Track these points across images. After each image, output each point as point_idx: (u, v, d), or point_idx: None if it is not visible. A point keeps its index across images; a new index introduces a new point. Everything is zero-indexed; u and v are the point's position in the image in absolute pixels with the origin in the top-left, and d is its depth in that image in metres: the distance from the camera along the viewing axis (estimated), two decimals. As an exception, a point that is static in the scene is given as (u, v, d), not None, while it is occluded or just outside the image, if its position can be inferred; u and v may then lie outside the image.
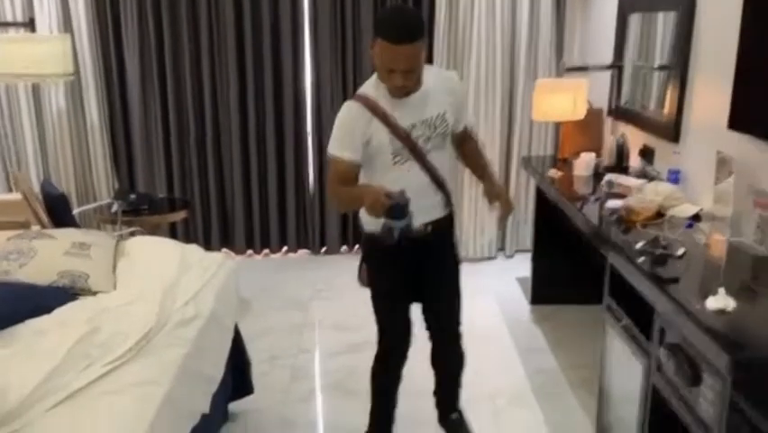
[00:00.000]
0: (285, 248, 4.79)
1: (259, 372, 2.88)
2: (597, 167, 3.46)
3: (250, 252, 4.73)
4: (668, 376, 1.97)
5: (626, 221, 2.65)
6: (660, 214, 2.68)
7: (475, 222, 4.56)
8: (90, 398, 1.54)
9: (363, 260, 2.38)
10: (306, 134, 4.63)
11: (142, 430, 1.49)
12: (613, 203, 2.85)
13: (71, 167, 4.41)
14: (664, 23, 3.21)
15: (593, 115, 3.88)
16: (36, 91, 4.20)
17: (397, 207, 1.96)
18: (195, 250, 2.53)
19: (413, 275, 2.34)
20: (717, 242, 2.39)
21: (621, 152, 3.46)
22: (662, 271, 2.11)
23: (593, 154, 3.53)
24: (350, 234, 4.79)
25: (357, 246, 4.82)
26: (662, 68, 3.24)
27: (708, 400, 1.73)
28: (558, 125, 4.17)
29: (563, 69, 3.80)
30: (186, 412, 1.80)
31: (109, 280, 2.17)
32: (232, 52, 4.40)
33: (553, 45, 4.36)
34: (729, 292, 1.84)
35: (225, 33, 4.37)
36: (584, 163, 3.45)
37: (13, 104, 4.26)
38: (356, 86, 4.51)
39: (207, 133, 4.53)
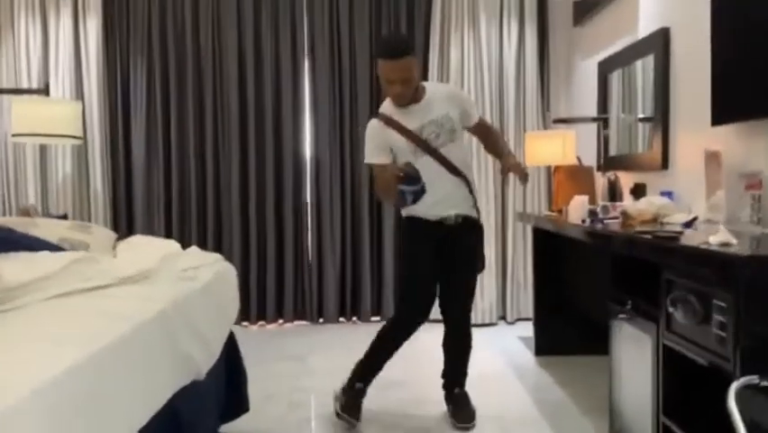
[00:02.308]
0: (281, 320, 4.71)
1: (254, 406, 2.74)
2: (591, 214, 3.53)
3: (245, 323, 4.64)
4: (678, 327, 1.92)
5: (623, 226, 2.69)
6: (655, 220, 2.72)
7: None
8: (84, 298, 1.50)
9: (402, 241, 2.90)
10: (305, 205, 4.73)
11: (130, 327, 1.42)
12: (611, 214, 2.92)
13: (71, 233, 4.44)
14: (643, 71, 3.43)
15: (584, 172, 4.01)
16: (43, 156, 4.34)
17: (407, 175, 2.48)
18: (194, 248, 2.53)
19: (440, 259, 2.74)
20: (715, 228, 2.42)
21: (614, 190, 3.54)
22: (665, 237, 2.14)
23: (586, 197, 3.61)
24: (347, 304, 4.73)
25: (355, 318, 4.75)
26: (645, 119, 3.42)
27: (719, 327, 1.69)
28: (550, 180, 4.28)
29: (551, 120, 3.99)
30: (180, 355, 1.72)
31: (109, 252, 2.16)
32: (234, 126, 4.61)
33: (538, 103, 4.59)
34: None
35: (229, 106, 4.60)
36: (579, 202, 3.51)
37: (19, 169, 4.38)
38: (353, 158, 4.70)
39: (209, 201, 4.63)
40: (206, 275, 2.16)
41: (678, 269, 1.94)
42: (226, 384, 2.53)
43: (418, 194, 2.51)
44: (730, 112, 2.46)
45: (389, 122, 2.65)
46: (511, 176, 2.93)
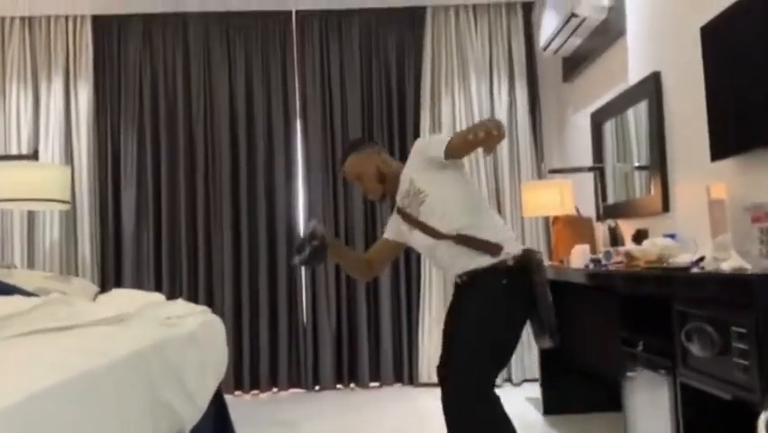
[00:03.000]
0: (275, 388, 4.51)
1: None
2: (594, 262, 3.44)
3: (238, 392, 4.44)
4: (695, 362, 1.79)
5: (628, 267, 2.59)
6: (660, 261, 2.62)
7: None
8: (55, 334, 1.37)
9: None
10: (299, 268, 4.61)
11: (103, 363, 1.30)
12: (614, 259, 2.83)
13: (58, 302, 4.30)
14: (636, 117, 3.41)
15: (583, 222, 3.94)
16: (30, 222, 4.26)
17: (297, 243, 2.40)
18: (180, 299, 2.40)
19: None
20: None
21: (615, 237, 3.45)
22: (674, 268, 2.05)
23: (587, 245, 3.52)
24: (344, 370, 4.55)
25: (353, 385, 4.55)
26: (642, 167, 3.39)
27: (740, 355, 1.57)
28: (549, 232, 4.20)
29: (546, 170, 3.95)
30: (159, 403, 1.58)
31: (87, 300, 2.04)
32: (226, 190, 4.55)
33: (532, 155, 4.57)
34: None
35: (221, 169, 4.56)
36: (580, 251, 3.42)
37: (6, 235, 4.28)
38: (347, 219, 4.63)
39: (200, 267, 4.52)
40: (192, 324, 2.03)
41: (691, 299, 1.84)
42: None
43: (302, 263, 2.33)
44: (729, 145, 2.41)
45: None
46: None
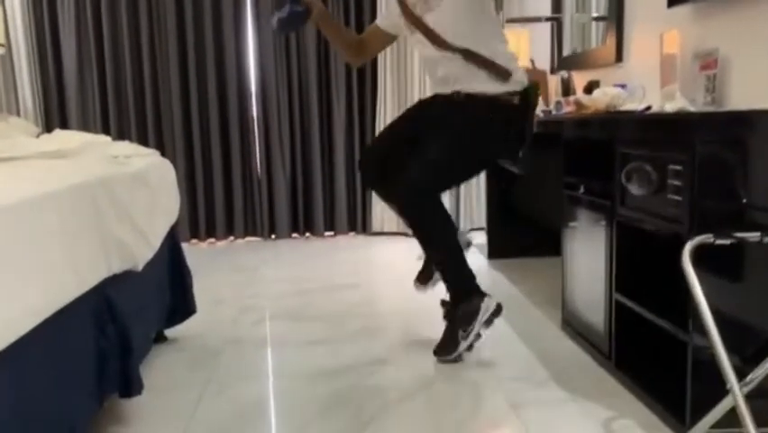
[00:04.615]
0: (232, 237, 4.59)
1: (206, 311, 2.69)
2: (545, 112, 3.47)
3: (194, 240, 4.50)
4: (632, 201, 1.88)
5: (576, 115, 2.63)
6: (608, 110, 2.66)
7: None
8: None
9: None
10: (251, 118, 4.53)
11: (44, 191, 1.28)
12: (564, 109, 2.86)
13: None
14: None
15: (537, 74, 3.91)
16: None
17: None
18: (127, 141, 2.36)
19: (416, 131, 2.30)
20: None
21: (567, 88, 3.47)
22: (619, 112, 2.09)
23: (540, 98, 3.53)
24: (300, 220, 4.63)
25: (308, 234, 4.66)
26: (600, 17, 3.33)
27: (674, 192, 1.65)
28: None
29: (504, 20, 3.86)
30: (109, 237, 1.60)
31: (30, 138, 1.99)
32: (172, 34, 4.33)
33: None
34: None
35: (166, 15, 4.31)
36: (531, 102, 3.44)
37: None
38: (300, 68, 4.50)
39: (148, 116, 4.40)
40: (140, 163, 2.01)
41: (633, 140, 1.88)
42: (170, 287, 2.42)
43: (288, 20, 2.14)
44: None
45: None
46: None
